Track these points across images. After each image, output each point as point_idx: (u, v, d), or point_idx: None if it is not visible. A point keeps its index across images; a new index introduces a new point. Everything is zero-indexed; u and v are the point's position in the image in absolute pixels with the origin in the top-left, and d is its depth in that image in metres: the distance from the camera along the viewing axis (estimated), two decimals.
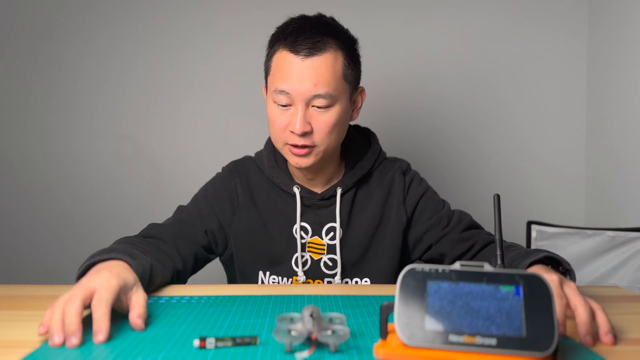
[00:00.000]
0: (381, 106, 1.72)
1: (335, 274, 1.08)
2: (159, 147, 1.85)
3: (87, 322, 0.70)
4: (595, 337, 0.64)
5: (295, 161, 1.03)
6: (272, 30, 1.05)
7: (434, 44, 1.84)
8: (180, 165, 1.83)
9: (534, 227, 1.53)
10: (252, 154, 1.19)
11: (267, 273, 1.10)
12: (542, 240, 1.51)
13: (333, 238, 1.08)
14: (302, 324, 0.59)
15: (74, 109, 1.84)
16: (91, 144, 1.84)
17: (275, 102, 1.01)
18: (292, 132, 1.00)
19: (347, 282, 1.09)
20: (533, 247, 1.52)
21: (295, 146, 1.00)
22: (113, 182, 1.84)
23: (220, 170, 1.18)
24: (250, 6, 1.81)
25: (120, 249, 0.80)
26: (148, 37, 1.83)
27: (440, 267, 0.60)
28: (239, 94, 1.84)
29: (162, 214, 1.15)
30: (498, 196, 0.68)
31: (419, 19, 1.84)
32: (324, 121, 1.00)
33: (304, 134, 0.99)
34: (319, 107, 0.99)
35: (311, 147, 1.01)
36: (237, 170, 1.15)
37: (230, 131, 1.81)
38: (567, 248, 1.48)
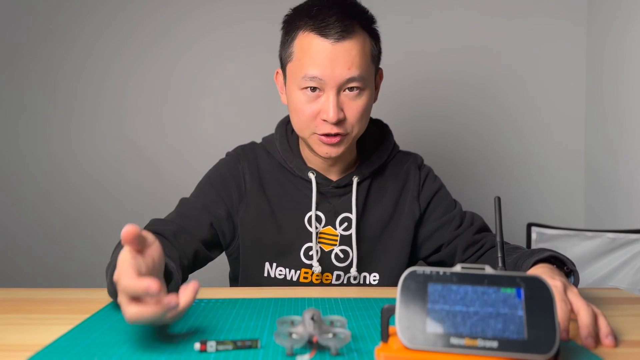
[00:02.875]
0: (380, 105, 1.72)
1: (345, 267, 1.05)
2: (160, 148, 1.85)
3: (87, 326, 0.70)
4: (596, 339, 0.64)
5: (325, 151, 0.98)
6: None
7: (432, 43, 1.84)
8: (181, 167, 1.83)
9: (534, 229, 1.53)
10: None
11: (274, 265, 1.05)
12: (542, 242, 1.51)
13: (347, 229, 1.05)
14: (303, 327, 0.59)
15: (74, 111, 1.84)
16: (91, 146, 1.84)
17: (302, 89, 0.96)
18: (324, 120, 0.95)
19: (356, 277, 1.06)
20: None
21: (327, 135, 0.96)
22: (114, 184, 1.84)
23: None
24: (249, 8, 1.81)
25: None
26: (148, 40, 1.83)
27: (441, 270, 0.60)
28: (240, 94, 1.84)
29: (164, 215, 1.14)
30: (499, 198, 0.68)
31: (418, 17, 1.84)
32: (356, 107, 0.96)
33: (338, 122, 0.95)
34: (351, 90, 0.95)
35: (344, 135, 0.97)
36: (245, 154, 1.10)
37: (232, 132, 1.81)
38: (567, 250, 1.48)
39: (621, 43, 1.63)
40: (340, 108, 0.95)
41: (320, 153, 1.00)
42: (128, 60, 1.83)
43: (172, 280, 0.77)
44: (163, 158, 1.85)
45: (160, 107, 1.84)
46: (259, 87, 1.81)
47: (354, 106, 0.96)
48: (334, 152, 0.99)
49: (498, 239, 0.67)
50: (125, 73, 1.83)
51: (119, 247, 0.84)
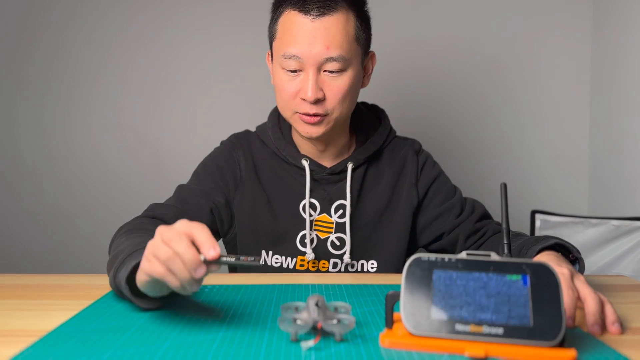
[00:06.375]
0: (378, 89, 1.71)
1: (341, 254, 1.04)
2: (161, 136, 1.84)
3: (91, 312, 0.70)
4: (603, 327, 0.64)
5: (306, 130, 0.97)
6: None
7: (435, 30, 1.82)
8: (182, 154, 1.83)
9: (538, 216, 1.52)
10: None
11: (270, 252, 1.05)
12: (546, 229, 1.51)
13: (342, 216, 1.04)
14: (307, 313, 0.59)
15: (74, 100, 1.83)
16: (92, 135, 1.83)
17: (283, 68, 0.95)
18: (303, 99, 0.94)
19: (353, 265, 1.06)
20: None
21: (307, 114, 0.95)
22: (115, 172, 1.84)
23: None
24: None
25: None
26: (146, 26, 1.81)
27: (446, 256, 0.60)
28: (241, 79, 1.83)
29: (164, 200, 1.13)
30: (505, 185, 0.67)
31: (425, 7, 1.82)
32: (337, 87, 0.94)
33: (317, 101, 0.94)
34: (331, 72, 0.93)
35: (323, 115, 0.96)
36: (240, 142, 1.09)
37: (233, 118, 1.80)
38: (571, 237, 1.47)
39: (626, 28, 1.61)
40: (319, 87, 0.94)
41: (301, 132, 0.99)
42: (127, 47, 1.82)
43: None
44: (165, 145, 1.84)
45: (160, 94, 1.83)
46: (261, 73, 1.79)
47: (334, 86, 0.94)
48: (315, 131, 0.97)
49: (504, 225, 0.66)
50: (125, 60, 1.82)
51: (118, 239, 0.84)
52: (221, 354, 0.55)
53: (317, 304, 0.59)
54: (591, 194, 1.84)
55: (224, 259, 0.59)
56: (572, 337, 0.62)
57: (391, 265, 1.06)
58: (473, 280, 0.58)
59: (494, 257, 0.59)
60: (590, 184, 1.84)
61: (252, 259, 0.60)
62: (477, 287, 0.58)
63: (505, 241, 0.65)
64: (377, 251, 1.06)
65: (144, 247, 0.70)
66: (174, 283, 0.59)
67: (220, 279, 0.89)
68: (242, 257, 0.61)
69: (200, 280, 0.59)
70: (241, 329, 0.63)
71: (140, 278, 0.64)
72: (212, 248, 0.58)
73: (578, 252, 0.81)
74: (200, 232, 0.59)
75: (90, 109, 1.83)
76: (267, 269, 1.05)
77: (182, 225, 0.60)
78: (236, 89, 1.83)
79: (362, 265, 1.06)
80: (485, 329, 0.55)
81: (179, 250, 0.57)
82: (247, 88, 1.82)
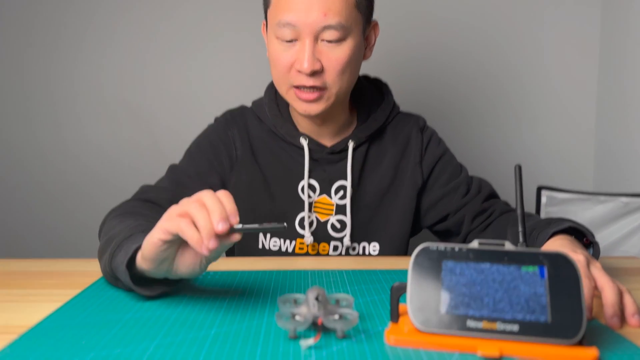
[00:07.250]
0: (381, 62, 1.64)
1: (342, 237, 1.00)
2: (154, 110, 1.78)
3: (78, 303, 0.66)
4: (622, 319, 0.60)
5: (304, 108, 0.91)
6: None
7: (446, 0, 1.75)
8: (177, 128, 1.76)
9: (544, 192, 1.47)
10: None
11: (268, 236, 1.00)
12: (553, 206, 1.46)
13: (342, 197, 0.99)
14: (307, 308, 0.54)
15: (61, 73, 1.76)
16: (83, 109, 1.77)
17: (278, 38, 0.89)
18: (299, 71, 0.88)
19: (354, 247, 1.02)
20: (543, 213, 1.47)
21: (303, 88, 0.89)
22: (108, 148, 1.78)
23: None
24: None
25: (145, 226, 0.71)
26: None
27: (456, 246, 0.55)
28: (237, 50, 1.75)
29: (157, 178, 1.08)
30: (519, 167, 0.62)
31: None
32: (335, 57, 0.88)
33: (314, 73, 0.88)
34: (329, 41, 0.87)
35: (322, 89, 0.90)
36: (235, 120, 1.03)
37: (229, 90, 1.73)
38: (577, 214, 1.43)
39: (636, 4, 1.54)
40: (316, 58, 0.87)
41: (299, 110, 0.93)
42: (117, 17, 1.74)
43: None
44: (159, 120, 1.78)
45: (154, 67, 1.76)
46: (258, 43, 1.72)
47: (333, 57, 0.88)
48: (313, 109, 0.91)
49: (519, 211, 0.61)
50: (115, 31, 1.74)
51: (109, 222, 0.80)
52: (214, 353, 0.51)
53: (317, 298, 0.54)
54: (598, 170, 1.79)
55: (247, 226, 0.59)
56: (590, 330, 0.58)
57: (394, 248, 1.01)
58: (486, 272, 0.54)
59: (508, 246, 0.55)
60: (597, 159, 1.79)
61: (277, 224, 0.61)
62: (490, 279, 0.53)
63: (520, 229, 0.60)
64: (380, 233, 1.02)
65: (142, 231, 0.66)
66: (192, 236, 0.56)
67: (216, 264, 0.85)
68: (265, 223, 0.61)
69: (217, 241, 0.57)
70: (235, 325, 0.58)
71: (147, 251, 0.60)
72: (234, 215, 0.59)
73: (592, 235, 0.77)
74: (227, 198, 0.60)
75: (79, 82, 1.76)
76: (266, 252, 1.01)
77: (210, 191, 0.61)
78: (233, 60, 1.76)
79: (364, 247, 1.02)
80: (499, 325, 0.51)
81: (207, 202, 0.59)
82: (244, 59, 1.75)
